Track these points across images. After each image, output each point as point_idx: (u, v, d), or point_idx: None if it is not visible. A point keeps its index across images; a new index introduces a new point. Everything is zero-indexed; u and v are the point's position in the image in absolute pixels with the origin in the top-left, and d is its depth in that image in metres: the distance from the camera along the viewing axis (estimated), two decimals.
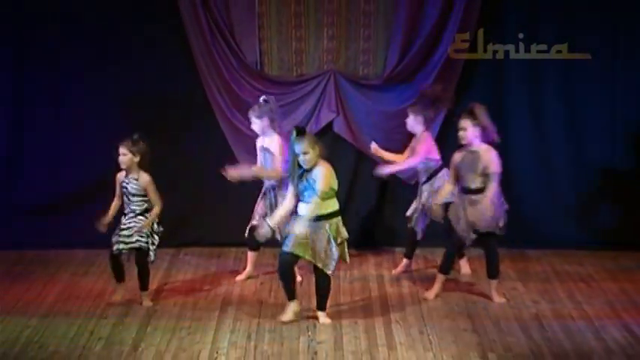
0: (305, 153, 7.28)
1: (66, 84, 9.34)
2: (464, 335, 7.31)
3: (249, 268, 8.65)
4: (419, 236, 8.59)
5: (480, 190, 7.83)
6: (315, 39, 9.28)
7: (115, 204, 7.92)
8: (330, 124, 9.31)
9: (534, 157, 9.50)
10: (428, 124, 8.45)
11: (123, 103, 9.28)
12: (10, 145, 9.42)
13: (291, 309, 7.58)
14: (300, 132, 7.33)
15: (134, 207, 7.83)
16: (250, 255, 8.63)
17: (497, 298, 8.03)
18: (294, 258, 7.48)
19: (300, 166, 7.35)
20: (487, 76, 9.39)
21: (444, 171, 8.38)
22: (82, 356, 6.94)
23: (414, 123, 8.42)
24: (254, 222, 8.37)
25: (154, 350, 7.04)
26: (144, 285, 7.98)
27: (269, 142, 8.25)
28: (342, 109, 9.28)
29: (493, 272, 8.02)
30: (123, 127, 8.99)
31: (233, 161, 8.93)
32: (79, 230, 9.06)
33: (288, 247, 7.40)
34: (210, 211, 9.44)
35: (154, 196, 7.84)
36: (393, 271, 8.80)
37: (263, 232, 7.70)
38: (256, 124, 8.26)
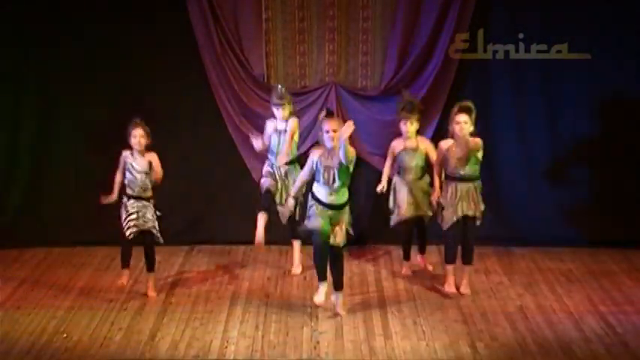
0: (335, 130, 7.30)
1: (83, 93, 9.30)
2: (454, 326, 7.34)
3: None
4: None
5: (470, 178, 7.88)
6: (318, 53, 9.27)
7: (118, 180, 7.90)
8: None
9: (520, 159, 9.38)
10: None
11: (140, 110, 9.29)
12: (35, 150, 9.42)
13: (323, 290, 7.56)
14: (331, 112, 7.47)
15: (139, 185, 7.83)
16: (261, 216, 8.36)
17: (466, 288, 8.03)
18: (326, 234, 7.43)
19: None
20: (475, 76, 9.24)
21: None
22: (103, 345, 6.98)
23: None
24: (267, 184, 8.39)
25: (169, 339, 7.09)
26: (151, 266, 8.00)
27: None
28: (342, 118, 9.27)
29: (471, 258, 8.04)
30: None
31: (241, 165, 8.99)
32: (101, 229, 9.11)
33: (311, 223, 7.40)
34: (220, 212, 9.42)
35: (159, 168, 7.89)
36: (422, 265, 8.70)
37: (288, 207, 7.86)
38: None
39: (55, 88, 9.34)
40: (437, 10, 9.04)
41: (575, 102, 9.30)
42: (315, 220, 7.42)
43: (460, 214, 7.90)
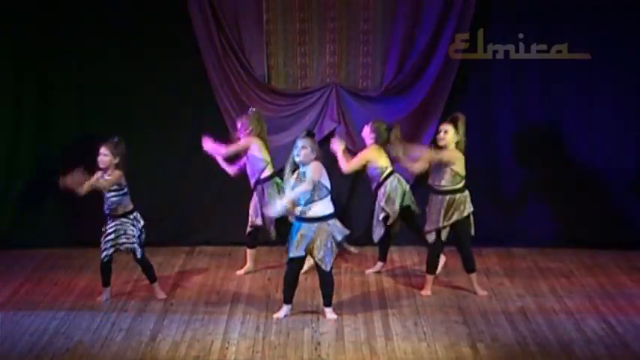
0: (303, 147, 7.28)
1: (83, 93, 9.34)
2: (455, 327, 7.32)
3: (249, 264, 8.70)
4: (377, 238, 8.52)
5: (449, 190, 7.81)
6: (319, 55, 9.28)
7: (87, 181, 7.67)
8: (332, 132, 9.29)
9: (520, 159, 9.38)
10: (378, 141, 8.34)
11: (141, 113, 9.33)
12: (35, 149, 9.42)
13: (285, 311, 7.56)
14: (309, 134, 7.41)
15: (110, 203, 7.72)
16: (249, 252, 8.67)
17: (481, 291, 8.02)
18: (300, 264, 7.49)
19: (295, 167, 7.40)
20: (475, 76, 9.24)
21: (392, 177, 8.37)
22: (104, 346, 6.97)
23: (366, 134, 8.39)
24: (256, 222, 8.49)
25: (170, 340, 7.07)
26: (151, 278, 7.97)
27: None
28: (343, 118, 9.28)
29: (472, 266, 8.00)
30: (140, 133, 9.08)
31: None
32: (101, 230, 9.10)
33: (291, 252, 7.39)
34: (221, 214, 9.41)
35: (105, 183, 7.69)
36: (367, 271, 8.74)
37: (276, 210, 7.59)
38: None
39: (55, 88, 9.34)
40: (437, 10, 9.04)
41: (575, 102, 9.29)
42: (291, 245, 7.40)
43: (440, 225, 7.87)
